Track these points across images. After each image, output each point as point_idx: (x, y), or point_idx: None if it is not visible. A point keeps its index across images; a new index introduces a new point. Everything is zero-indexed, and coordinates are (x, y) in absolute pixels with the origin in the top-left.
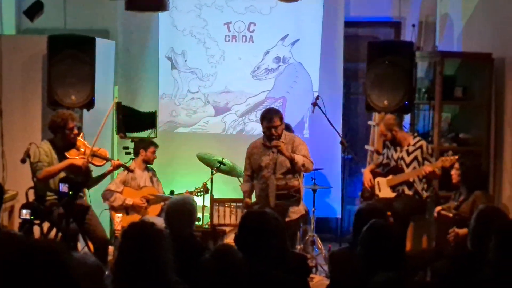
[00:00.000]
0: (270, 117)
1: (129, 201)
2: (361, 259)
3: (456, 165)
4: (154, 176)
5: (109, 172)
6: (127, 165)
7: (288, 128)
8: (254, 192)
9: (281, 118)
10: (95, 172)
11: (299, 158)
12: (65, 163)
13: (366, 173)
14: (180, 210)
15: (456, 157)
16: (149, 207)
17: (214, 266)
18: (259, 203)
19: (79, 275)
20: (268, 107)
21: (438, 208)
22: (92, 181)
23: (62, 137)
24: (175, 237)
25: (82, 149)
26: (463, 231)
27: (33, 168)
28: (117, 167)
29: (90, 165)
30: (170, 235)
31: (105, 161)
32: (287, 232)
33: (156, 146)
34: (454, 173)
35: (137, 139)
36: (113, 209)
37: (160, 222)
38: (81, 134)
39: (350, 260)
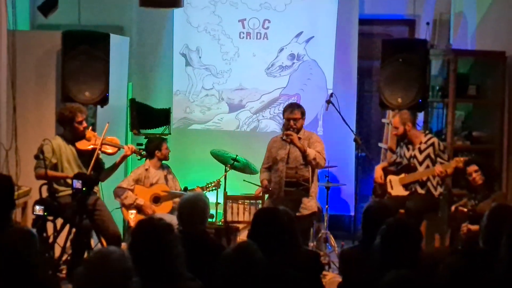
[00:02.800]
0: (291, 109)
1: (140, 201)
2: (378, 256)
3: (474, 168)
4: (169, 174)
5: (123, 159)
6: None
7: None
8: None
9: (303, 113)
10: (108, 162)
11: (311, 151)
12: (62, 175)
13: (378, 170)
14: (192, 207)
15: (471, 157)
16: (160, 205)
17: (234, 261)
18: (273, 195)
19: None
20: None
21: (455, 205)
22: (105, 173)
23: (70, 130)
24: (188, 234)
25: (92, 140)
26: (475, 227)
27: (35, 164)
28: (131, 152)
29: (101, 157)
30: (183, 232)
31: (117, 149)
32: (299, 228)
33: (165, 141)
34: (476, 176)
35: (149, 139)
36: (124, 206)
37: (170, 219)
38: (90, 127)
39: (360, 258)
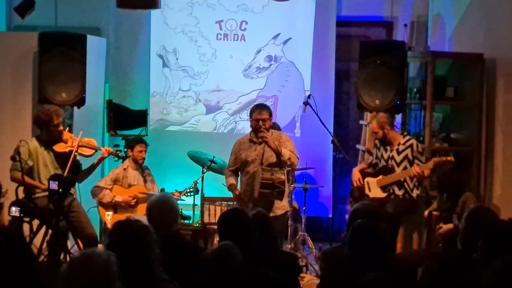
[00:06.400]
0: (260, 110)
1: (118, 198)
2: (350, 260)
3: (451, 161)
4: (148, 176)
5: (100, 160)
6: (119, 154)
7: (276, 128)
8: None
9: (270, 114)
10: (85, 164)
11: (285, 152)
12: (35, 184)
13: (355, 173)
14: (162, 208)
15: (449, 158)
16: (137, 207)
17: (215, 263)
18: (244, 198)
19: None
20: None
21: (428, 210)
22: (82, 174)
23: (47, 133)
24: (160, 235)
25: (69, 142)
26: (447, 226)
27: (11, 166)
28: (108, 154)
29: (79, 157)
30: (155, 233)
31: (94, 151)
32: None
33: (143, 143)
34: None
35: (127, 138)
36: (102, 205)
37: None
38: (67, 128)
39: (342, 259)
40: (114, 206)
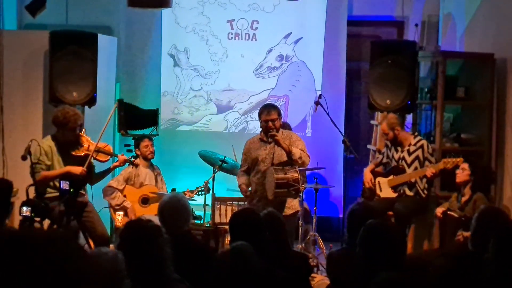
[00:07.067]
0: (268, 111)
1: (127, 204)
2: (361, 260)
3: (465, 165)
4: (159, 175)
5: (114, 167)
6: (134, 162)
7: (286, 127)
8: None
9: (279, 113)
10: (99, 167)
11: (296, 151)
12: (62, 170)
13: (367, 173)
14: (175, 208)
15: (459, 159)
16: (148, 207)
17: (230, 263)
18: (255, 197)
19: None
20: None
21: (441, 209)
22: (95, 177)
23: (62, 134)
24: (172, 235)
25: (85, 145)
26: (468, 234)
27: (32, 169)
28: (123, 162)
29: (93, 160)
30: (167, 233)
31: (109, 157)
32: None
33: (147, 138)
34: (461, 172)
35: (136, 138)
36: (111, 207)
37: (158, 221)
38: (83, 130)
39: (347, 261)
40: (123, 209)
